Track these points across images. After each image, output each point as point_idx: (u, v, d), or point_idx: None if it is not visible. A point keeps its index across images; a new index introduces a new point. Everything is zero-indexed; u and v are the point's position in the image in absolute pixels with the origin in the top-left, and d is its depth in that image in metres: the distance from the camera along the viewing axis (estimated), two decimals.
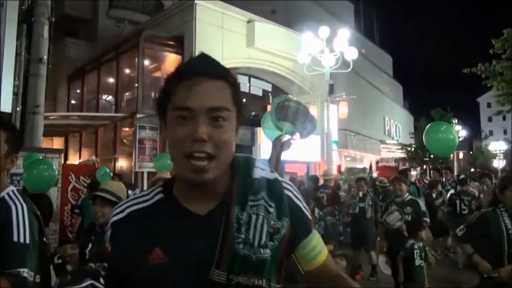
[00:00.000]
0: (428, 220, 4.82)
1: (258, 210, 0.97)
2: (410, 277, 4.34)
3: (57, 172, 7.19)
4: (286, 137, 3.16)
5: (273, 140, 3.07)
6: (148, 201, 1.02)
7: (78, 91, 19.31)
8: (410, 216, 4.75)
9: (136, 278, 0.95)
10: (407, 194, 4.97)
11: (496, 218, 2.99)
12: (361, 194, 6.71)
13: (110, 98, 17.73)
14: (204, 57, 1.00)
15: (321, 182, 9.29)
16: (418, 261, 4.32)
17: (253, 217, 0.96)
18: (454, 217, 7.12)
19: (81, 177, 7.54)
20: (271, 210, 0.98)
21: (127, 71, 16.52)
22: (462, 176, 8.75)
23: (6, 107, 6.82)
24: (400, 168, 17.24)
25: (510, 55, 9.83)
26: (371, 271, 6.53)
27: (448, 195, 7.84)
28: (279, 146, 3.02)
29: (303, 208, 1.06)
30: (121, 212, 1.02)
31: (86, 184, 7.30)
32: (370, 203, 6.52)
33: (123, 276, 0.97)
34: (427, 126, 4.31)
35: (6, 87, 6.80)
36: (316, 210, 4.96)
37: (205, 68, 0.96)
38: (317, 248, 1.06)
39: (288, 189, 1.04)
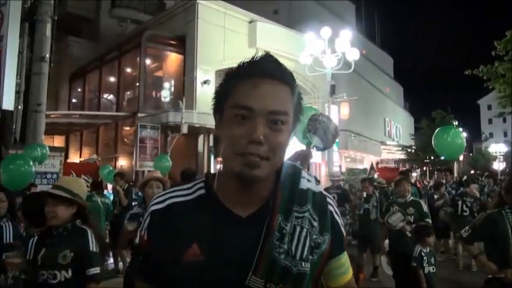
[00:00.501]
0: (430, 221, 4.81)
1: (302, 222, 0.95)
2: (420, 284, 4.21)
3: (59, 169, 7.24)
4: (313, 150, 3.25)
5: (300, 150, 3.14)
6: (189, 195, 1.00)
7: (79, 90, 19.35)
8: (413, 217, 4.73)
9: (168, 271, 0.94)
10: (409, 195, 4.96)
11: (502, 219, 2.98)
12: (365, 194, 6.70)
13: (111, 97, 17.76)
14: (270, 57, 0.97)
15: (323, 182, 9.30)
16: (427, 269, 4.24)
17: (298, 229, 0.94)
18: (455, 218, 7.12)
19: (83, 176, 7.56)
20: (315, 224, 0.97)
21: (129, 70, 16.54)
22: (465, 177, 8.73)
23: (9, 105, 6.84)
24: (400, 169, 17.21)
25: None
26: (372, 272, 6.53)
27: (450, 196, 7.85)
28: (308, 156, 3.10)
29: (341, 225, 1.05)
30: (161, 202, 1.00)
31: (88, 183, 7.31)
32: (375, 204, 6.49)
33: (156, 267, 0.96)
34: (436, 131, 4.32)
35: (8, 85, 6.82)
36: None
37: (272, 69, 0.93)
38: (345, 266, 1.06)
39: (331, 204, 1.04)
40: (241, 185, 0.93)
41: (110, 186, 8.80)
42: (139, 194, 8.83)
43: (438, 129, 4.34)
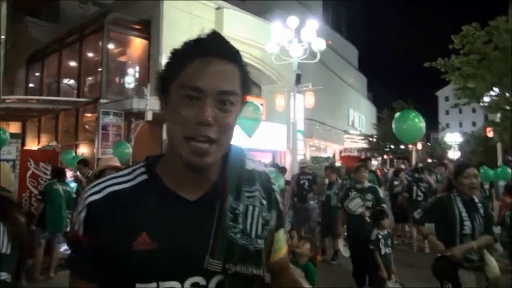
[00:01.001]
0: (385, 206, 5.06)
1: (254, 201, 0.96)
2: (378, 266, 4.43)
3: (15, 157, 6.97)
4: None
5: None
6: (130, 181, 0.95)
7: (37, 74, 18.50)
8: (371, 203, 4.96)
9: (117, 265, 0.88)
10: (367, 182, 5.18)
11: (450, 202, 3.21)
12: (327, 181, 6.90)
13: (71, 82, 17.11)
14: (218, 36, 0.94)
15: (289, 170, 9.49)
16: (384, 250, 4.47)
17: (250, 208, 0.95)
18: (410, 203, 7.52)
19: (41, 163, 7.30)
20: (264, 202, 0.99)
21: (90, 54, 15.98)
22: (420, 165, 9.19)
23: None
24: (362, 157, 17.79)
25: (468, 51, 10.33)
26: (333, 255, 6.80)
27: (406, 183, 8.26)
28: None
29: (280, 202, 1.08)
30: (98, 191, 0.92)
31: (48, 170, 7.08)
32: (336, 191, 6.70)
33: (99, 264, 0.89)
34: (396, 115, 4.49)
35: None
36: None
37: (220, 48, 0.91)
38: (281, 242, 1.10)
39: (274, 183, 1.06)
40: (190, 171, 0.91)
41: (69, 174, 8.57)
42: None
43: (398, 113, 4.50)
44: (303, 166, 8.36)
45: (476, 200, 3.27)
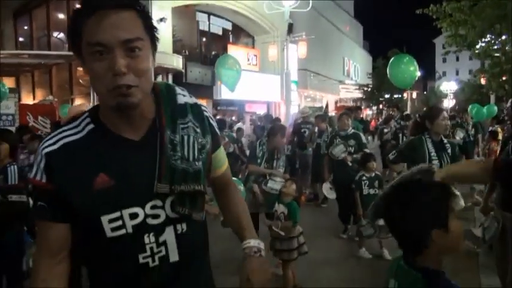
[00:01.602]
0: (368, 150, 5.37)
1: (188, 131, 1.11)
2: (362, 206, 4.78)
3: (14, 111, 7.18)
4: None
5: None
6: (80, 132, 1.06)
7: (26, 28, 18.17)
8: (353, 148, 5.27)
9: (80, 203, 1.01)
10: (351, 128, 5.46)
11: (421, 143, 3.51)
12: (316, 129, 7.12)
13: (61, 35, 16.86)
14: None
15: (283, 120, 9.76)
16: (367, 191, 4.78)
17: (186, 138, 1.10)
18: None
19: (40, 117, 7.52)
20: (198, 130, 1.13)
21: (79, 6, 15.63)
22: (406, 113, 9.45)
23: None
24: (354, 107, 18.00)
25: None
26: (323, 199, 7.21)
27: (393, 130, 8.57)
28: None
29: (216, 126, 1.23)
30: (54, 143, 1.04)
31: (47, 124, 7.31)
32: (326, 140, 6.86)
33: (62, 205, 1.02)
34: (391, 60, 4.60)
35: None
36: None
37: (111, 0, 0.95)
38: (222, 159, 1.29)
39: (205, 111, 1.20)
40: (123, 113, 1.03)
41: None
42: None
43: (392, 58, 4.61)
44: (304, 116, 8.63)
45: (445, 141, 3.56)
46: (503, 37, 10.77)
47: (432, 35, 57.53)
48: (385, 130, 9.27)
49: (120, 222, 1.04)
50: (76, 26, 0.97)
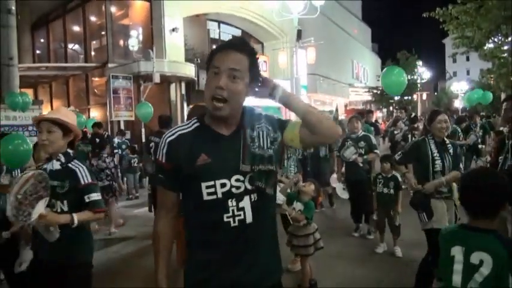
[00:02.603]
0: (378, 152, 5.61)
1: (262, 129, 1.58)
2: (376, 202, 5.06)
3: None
4: None
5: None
6: (190, 127, 1.57)
7: (43, 40, 18.75)
8: (364, 150, 5.52)
9: (189, 174, 1.48)
10: (361, 131, 5.71)
11: (425, 144, 3.72)
12: None
13: (76, 47, 17.39)
14: (237, 38, 1.69)
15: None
16: (380, 189, 4.98)
17: (261, 133, 1.57)
18: None
19: None
20: (270, 128, 1.60)
21: (94, 18, 16.15)
22: (413, 115, 9.62)
23: None
24: (364, 110, 18.12)
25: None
26: (329, 201, 7.39)
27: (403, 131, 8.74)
28: None
29: (279, 118, 1.67)
30: (173, 134, 1.55)
31: None
32: None
33: (176, 178, 1.52)
34: (383, 71, 4.94)
35: None
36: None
37: (234, 43, 1.52)
38: (293, 123, 1.65)
39: (276, 116, 1.67)
40: (217, 118, 1.53)
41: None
42: (120, 140, 9.28)
43: (385, 69, 4.94)
44: None
45: (447, 142, 3.78)
46: (510, 38, 10.90)
47: (441, 36, 57.21)
48: (395, 132, 9.44)
49: (213, 189, 1.48)
50: (211, 55, 1.52)
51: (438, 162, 3.61)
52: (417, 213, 3.68)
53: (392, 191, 4.95)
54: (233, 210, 1.49)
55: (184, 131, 1.57)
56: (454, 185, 3.68)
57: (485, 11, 10.04)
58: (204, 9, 15.72)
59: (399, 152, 4.02)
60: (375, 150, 5.57)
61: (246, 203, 1.51)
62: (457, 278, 1.64)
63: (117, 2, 15.00)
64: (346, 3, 31.98)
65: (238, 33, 18.65)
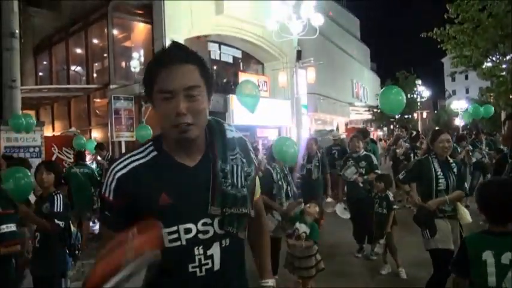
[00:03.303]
0: (379, 171, 5.58)
1: (236, 162, 1.33)
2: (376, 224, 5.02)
3: (40, 143, 7.58)
4: None
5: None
6: (145, 157, 1.29)
7: (45, 63, 18.96)
8: (364, 170, 5.50)
9: (146, 216, 1.18)
10: (363, 150, 5.70)
11: (428, 163, 3.72)
12: (307, 154, 6.70)
13: (79, 69, 17.58)
14: (175, 46, 1.27)
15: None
16: (376, 209, 4.98)
17: (235, 167, 1.32)
18: None
19: (64, 148, 7.90)
20: (244, 160, 1.36)
21: (96, 41, 16.36)
22: (414, 133, 9.65)
23: None
24: (367, 128, 18.18)
25: (462, 19, 10.55)
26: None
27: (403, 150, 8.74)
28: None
29: (254, 158, 1.45)
30: (123, 167, 1.26)
31: (70, 154, 7.67)
32: (317, 164, 6.67)
33: (131, 214, 1.21)
34: (382, 90, 4.98)
35: None
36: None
37: (179, 56, 1.23)
38: (258, 187, 1.47)
39: (248, 143, 1.45)
40: (182, 144, 1.28)
41: (88, 157, 9.17)
42: None
43: (383, 89, 4.98)
44: (335, 138, 9.08)
45: (451, 161, 3.77)
46: (508, 57, 11.01)
47: (440, 55, 57.85)
48: (397, 151, 9.43)
49: (176, 235, 1.24)
50: (151, 75, 1.25)
51: (442, 181, 3.60)
52: (421, 229, 3.66)
53: (384, 210, 4.93)
54: (200, 259, 1.27)
55: (138, 162, 1.28)
56: (459, 204, 3.65)
57: (482, 30, 10.19)
58: (205, 31, 15.95)
59: (403, 172, 4.01)
60: (376, 170, 5.55)
61: (215, 250, 1.29)
62: (491, 279, 1.82)
63: (119, 25, 15.23)
64: (344, 24, 32.50)
65: (238, 53, 18.85)
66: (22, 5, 16.83)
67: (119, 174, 1.25)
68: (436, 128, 4.20)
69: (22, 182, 3.38)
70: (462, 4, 10.40)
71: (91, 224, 7.00)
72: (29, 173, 3.46)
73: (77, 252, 3.45)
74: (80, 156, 7.07)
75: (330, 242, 6.11)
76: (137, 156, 1.29)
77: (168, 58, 1.23)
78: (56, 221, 3.09)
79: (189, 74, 1.23)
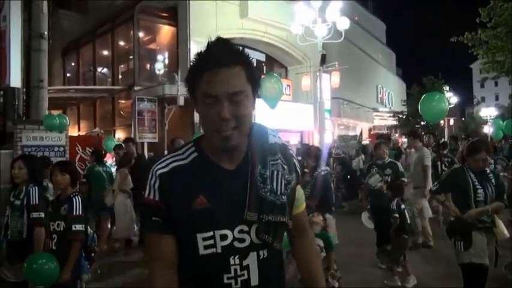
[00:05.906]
0: (405, 180, 5.37)
1: (277, 167, 1.26)
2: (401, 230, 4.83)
3: (65, 143, 7.65)
4: None
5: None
6: (185, 159, 1.24)
7: (73, 64, 19.43)
8: (390, 177, 5.29)
9: (182, 220, 1.17)
10: (388, 158, 5.49)
11: (463, 173, 3.52)
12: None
13: (105, 70, 17.92)
14: (221, 44, 1.19)
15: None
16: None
17: (275, 173, 1.25)
18: (435, 178, 7.70)
19: (87, 148, 7.99)
20: (285, 167, 1.29)
21: (122, 43, 16.65)
22: (443, 141, 9.31)
23: (16, 83, 7.17)
24: (388, 134, 17.77)
25: (495, 24, 10.17)
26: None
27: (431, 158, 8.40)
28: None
29: (297, 166, 1.37)
30: (165, 166, 1.22)
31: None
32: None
33: (169, 220, 1.18)
34: (423, 96, 4.74)
35: (15, 63, 7.12)
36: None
37: (224, 57, 1.15)
38: (301, 198, 1.40)
39: (291, 150, 1.37)
40: (222, 151, 1.22)
41: (108, 156, 9.23)
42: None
43: (425, 95, 4.75)
44: (337, 157, 8.92)
45: (488, 171, 3.55)
46: None
47: (468, 61, 56.40)
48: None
49: (212, 241, 1.18)
50: (194, 76, 1.19)
51: (480, 191, 3.40)
52: (453, 241, 3.47)
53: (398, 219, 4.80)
54: (235, 270, 1.19)
55: (180, 162, 1.24)
56: (496, 217, 3.45)
57: None
58: (229, 34, 15.98)
59: (435, 183, 3.82)
60: (402, 178, 5.33)
61: (251, 260, 1.21)
62: None
63: (144, 27, 15.44)
64: (370, 28, 32.07)
65: (262, 57, 18.80)
66: (52, 8, 17.38)
67: (160, 171, 1.21)
68: (474, 140, 3.96)
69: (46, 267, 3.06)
70: (495, 8, 10.03)
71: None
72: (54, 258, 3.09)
73: (92, 254, 3.41)
74: (97, 156, 7.15)
75: (352, 252, 5.91)
76: (178, 157, 1.25)
77: (213, 59, 1.16)
78: (75, 226, 3.04)
79: (234, 78, 1.16)
